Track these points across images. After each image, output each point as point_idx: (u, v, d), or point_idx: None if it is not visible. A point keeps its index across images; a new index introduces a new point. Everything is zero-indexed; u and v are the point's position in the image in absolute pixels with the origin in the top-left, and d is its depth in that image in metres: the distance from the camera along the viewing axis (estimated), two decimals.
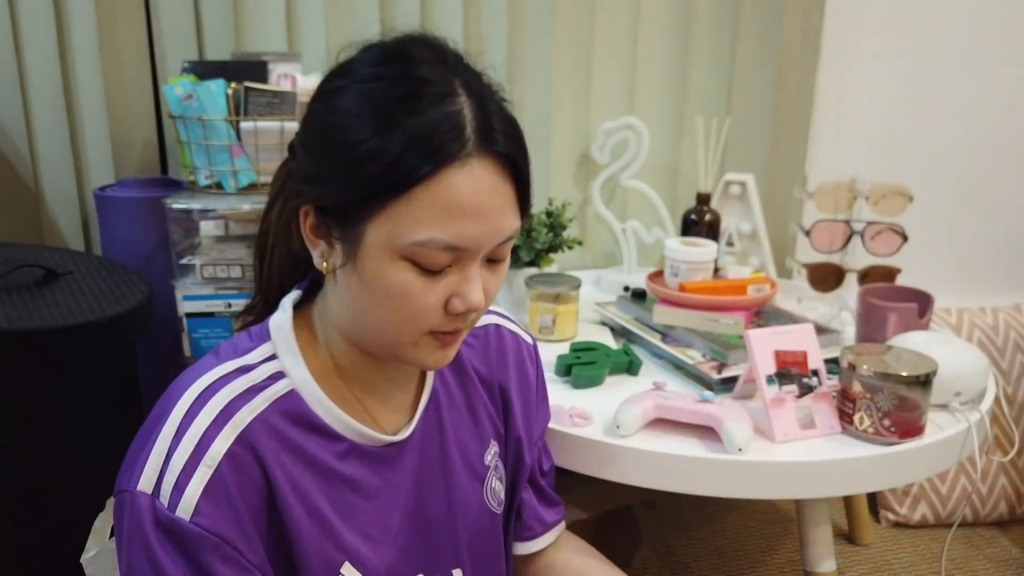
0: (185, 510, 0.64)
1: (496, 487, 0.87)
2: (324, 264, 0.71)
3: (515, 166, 0.67)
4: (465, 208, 0.64)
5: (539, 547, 0.95)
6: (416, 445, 0.80)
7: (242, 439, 0.67)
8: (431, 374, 0.83)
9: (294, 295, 0.77)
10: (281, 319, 0.74)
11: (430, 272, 0.66)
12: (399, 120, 0.63)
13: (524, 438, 0.90)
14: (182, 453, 0.65)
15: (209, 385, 0.69)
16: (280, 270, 0.80)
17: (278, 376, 0.72)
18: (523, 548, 0.94)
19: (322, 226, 0.69)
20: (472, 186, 0.64)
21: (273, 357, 0.72)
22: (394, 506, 0.77)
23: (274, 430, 0.69)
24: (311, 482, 0.71)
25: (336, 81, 0.69)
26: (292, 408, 0.71)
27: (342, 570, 0.72)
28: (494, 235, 0.67)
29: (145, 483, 0.64)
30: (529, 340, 0.95)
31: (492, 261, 0.71)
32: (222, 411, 0.67)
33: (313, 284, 0.78)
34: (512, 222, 0.68)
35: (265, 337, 0.74)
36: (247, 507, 0.67)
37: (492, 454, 0.87)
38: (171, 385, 0.71)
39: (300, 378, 0.72)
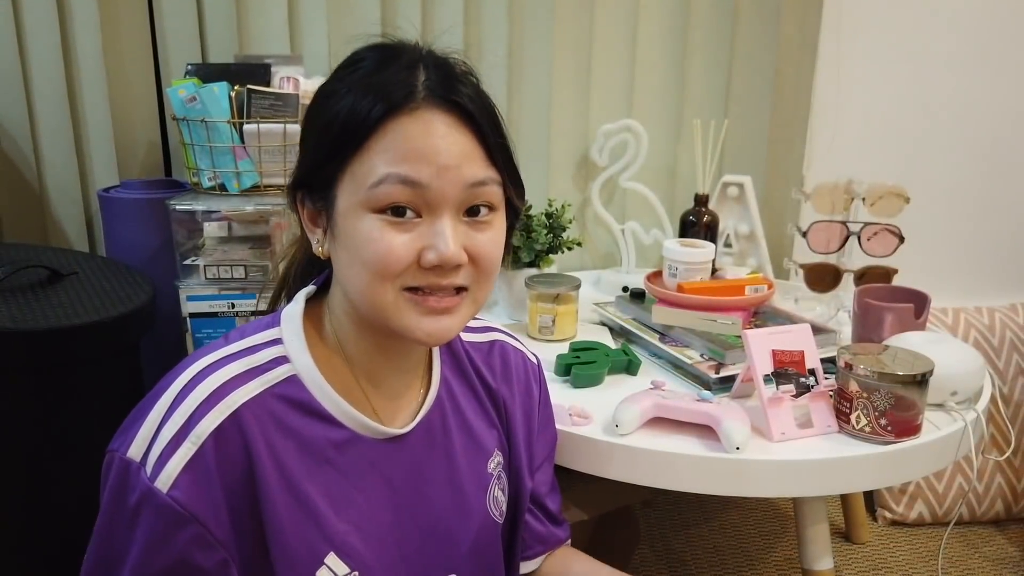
0: (164, 482, 0.65)
1: (499, 497, 0.87)
2: (320, 249, 0.74)
3: (471, 116, 0.69)
4: (417, 149, 0.66)
5: (537, 566, 0.95)
6: (417, 443, 0.79)
7: (232, 418, 0.68)
8: (436, 374, 0.83)
9: (308, 289, 0.79)
10: (293, 309, 0.76)
11: (398, 220, 0.67)
12: (360, 81, 0.69)
13: (524, 457, 0.90)
14: (171, 427, 0.67)
15: (210, 364, 0.71)
16: (299, 275, 0.83)
17: (281, 360, 0.73)
18: (524, 567, 0.95)
19: (313, 210, 0.73)
20: (422, 130, 0.67)
21: (278, 342, 0.74)
22: (388, 502, 0.77)
23: (268, 413, 0.70)
24: (303, 467, 0.71)
25: (317, 95, 0.74)
26: (291, 393, 0.72)
27: (326, 560, 0.72)
28: (455, 179, 0.67)
29: (135, 450, 0.67)
30: (534, 360, 0.95)
31: (474, 219, 0.70)
32: (216, 390, 0.69)
33: (327, 281, 0.80)
34: (477, 170, 0.69)
35: (274, 324, 0.75)
36: (225, 486, 0.67)
37: (496, 463, 0.87)
38: (180, 363, 0.73)
39: (303, 364, 0.73)
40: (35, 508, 1.14)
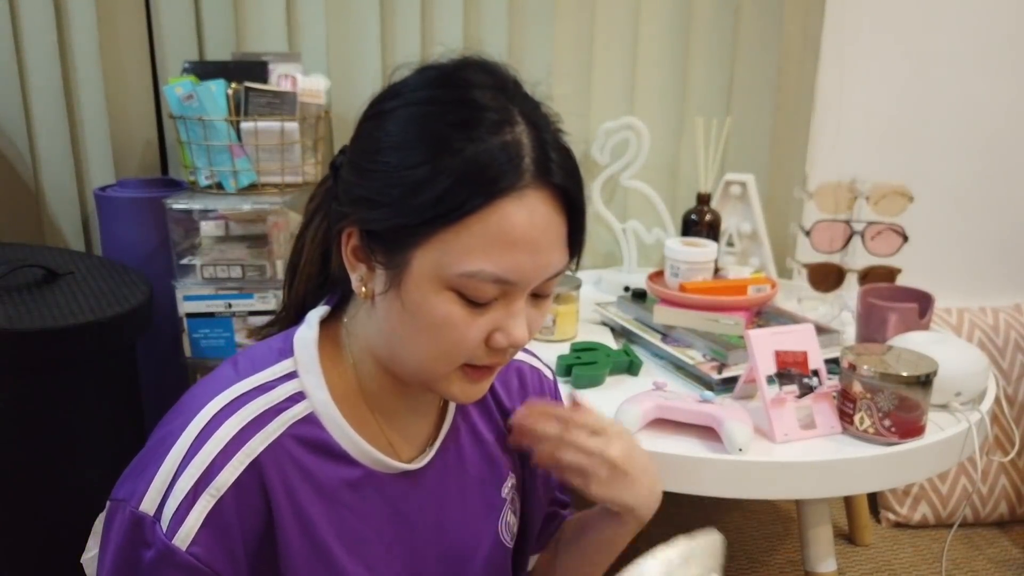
0: (183, 539, 0.63)
1: (511, 520, 0.86)
2: (363, 289, 0.69)
3: (571, 200, 0.65)
4: (518, 241, 0.62)
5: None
6: (433, 475, 0.78)
7: (251, 468, 0.65)
8: (452, 404, 0.81)
9: (321, 311, 0.74)
10: (307, 336, 0.72)
11: (475, 304, 0.64)
12: (455, 147, 0.61)
13: (540, 475, 0.88)
14: (187, 479, 0.64)
15: (225, 406, 0.67)
16: (308, 287, 0.78)
17: (298, 397, 0.69)
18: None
19: (365, 250, 0.67)
20: (527, 219, 0.62)
21: (294, 375, 0.70)
22: (402, 537, 0.75)
23: (287, 455, 0.68)
24: (318, 509, 0.69)
25: (389, 102, 0.67)
26: (308, 433, 0.69)
27: None
28: (543, 270, 0.65)
29: (148, 504, 0.64)
30: (549, 375, 0.93)
31: (536, 296, 0.69)
32: (234, 437, 0.65)
33: (341, 300, 0.76)
34: (561, 258, 0.66)
35: (288, 352, 0.71)
36: (244, 537, 0.66)
37: (509, 487, 0.85)
38: (186, 396, 0.70)
39: (320, 400, 0.70)
40: (32, 508, 1.13)
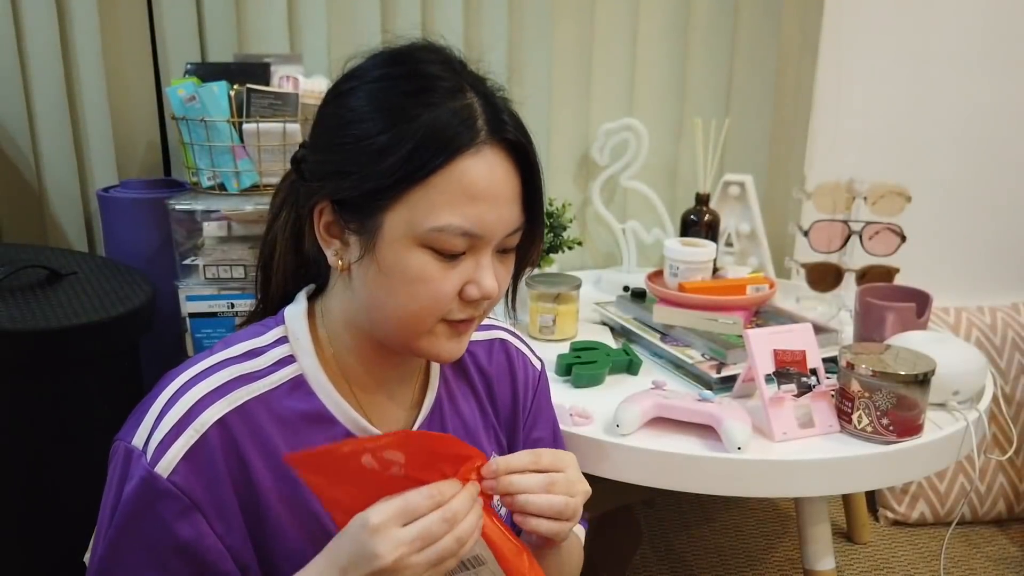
0: (164, 468, 0.66)
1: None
2: (339, 262, 0.73)
3: (525, 155, 0.70)
4: (480, 195, 0.67)
5: None
6: None
7: (237, 413, 0.69)
8: (435, 376, 0.83)
9: (308, 288, 0.79)
10: (296, 309, 0.77)
11: (446, 258, 0.69)
12: (413, 114, 0.66)
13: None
14: (173, 415, 0.68)
15: (217, 363, 0.72)
16: (286, 277, 0.81)
17: (287, 361, 0.73)
18: None
19: (338, 223, 0.72)
20: (487, 173, 0.67)
21: (284, 340, 0.74)
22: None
23: (272, 413, 0.71)
24: None
25: (347, 84, 0.72)
26: (295, 394, 0.72)
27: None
28: (506, 224, 0.70)
29: (137, 439, 0.68)
30: (538, 365, 0.94)
31: (502, 252, 0.73)
32: (221, 386, 0.70)
33: (318, 289, 0.80)
34: (519, 214, 0.71)
35: (279, 322, 0.76)
36: (231, 477, 0.68)
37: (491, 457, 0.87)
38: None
39: (309, 365, 0.73)
40: (35, 509, 1.13)
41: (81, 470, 1.16)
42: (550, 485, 0.71)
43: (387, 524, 0.62)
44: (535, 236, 0.75)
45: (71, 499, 1.15)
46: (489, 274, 0.70)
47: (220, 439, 0.68)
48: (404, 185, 0.66)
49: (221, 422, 0.68)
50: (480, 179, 0.67)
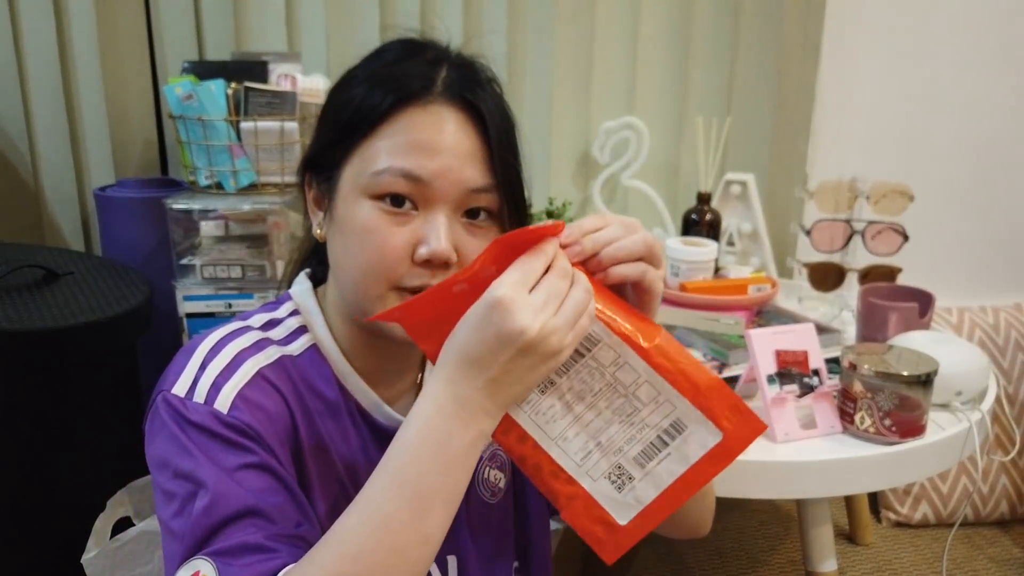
0: (222, 404, 0.65)
1: (491, 476, 0.86)
2: (319, 231, 0.73)
3: (483, 119, 0.68)
4: (423, 143, 0.66)
5: None
6: None
7: (272, 367, 0.69)
8: (429, 363, 0.82)
9: (307, 270, 0.80)
10: (300, 287, 0.77)
11: (395, 211, 0.67)
12: (381, 70, 0.70)
13: None
14: (218, 363, 0.67)
15: (242, 327, 0.72)
16: (304, 262, 0.83)
17: (301, 331, 0.74)
18: None
19: (318, 192, 0.73)
20: (432, 124, 0.67)
21: (296, 313, 0.75)
22: None
23: (298, 372, 0.72)
24: (330, 433, 0.72)
25: (337, 82, 0.74)
26: (315, 361, 0.73)
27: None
28: (457, 180, 0.67)
29: (180, 387, 0.66)
30: None
31: (472, 220, 0.69)
32: (256, 343, 0.70)
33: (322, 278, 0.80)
34: (478, 175, 0.68)
35: (287, 298, 0.77)
36: (279, 418, 0.68)
37: (490, 446, 0.85)
38: None
39: (322, 335, 0.74)
40: (33, 508, 1.13)
41: (78, 470, 1.16)
42: (630, 228, 0.65)
43: (518, 293, 0.56)
44: (517, 206, 0.71)
45: (68, 498, 1.15)
46: (440, 234, 0.66)
47: (266, 385, 0.68)
48: (356, 137, 0.68)
49: (262, 373, 0.68)
50: (426, 128, 0.66)
